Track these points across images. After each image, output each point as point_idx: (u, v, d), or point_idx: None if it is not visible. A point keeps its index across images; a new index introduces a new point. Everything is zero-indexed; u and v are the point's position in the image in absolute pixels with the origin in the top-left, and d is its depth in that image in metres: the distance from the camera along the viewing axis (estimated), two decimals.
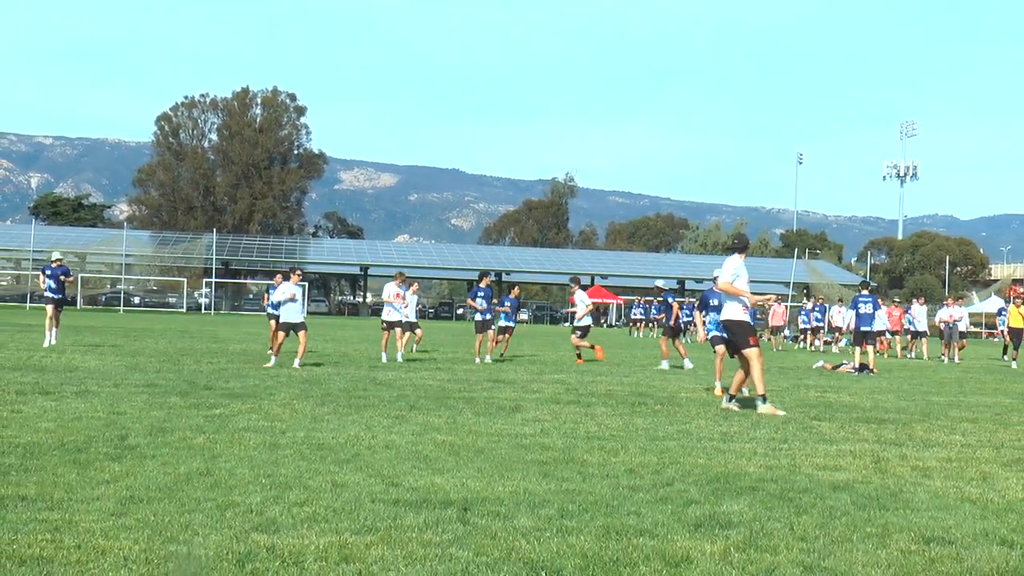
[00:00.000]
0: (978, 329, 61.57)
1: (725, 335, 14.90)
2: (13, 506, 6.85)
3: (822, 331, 44.25)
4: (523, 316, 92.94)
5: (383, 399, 14.35)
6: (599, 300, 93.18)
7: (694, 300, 15.17)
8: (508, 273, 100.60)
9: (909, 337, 39.84)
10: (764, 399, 14.21)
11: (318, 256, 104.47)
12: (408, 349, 27.78)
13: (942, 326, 36.48)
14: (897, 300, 40.33)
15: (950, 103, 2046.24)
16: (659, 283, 28.05)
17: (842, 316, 26.44)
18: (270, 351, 21.90)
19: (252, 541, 6.15)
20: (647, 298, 65.11)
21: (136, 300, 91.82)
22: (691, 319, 34.12)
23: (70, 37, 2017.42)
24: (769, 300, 14.87)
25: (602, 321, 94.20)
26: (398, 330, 24.17)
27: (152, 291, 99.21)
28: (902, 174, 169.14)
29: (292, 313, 20.92)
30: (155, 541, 6.10)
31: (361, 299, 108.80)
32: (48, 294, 25.56)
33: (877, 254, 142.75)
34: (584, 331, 25.86)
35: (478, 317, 25.20)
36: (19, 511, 6.71)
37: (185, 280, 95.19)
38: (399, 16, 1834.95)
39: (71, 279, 27.49)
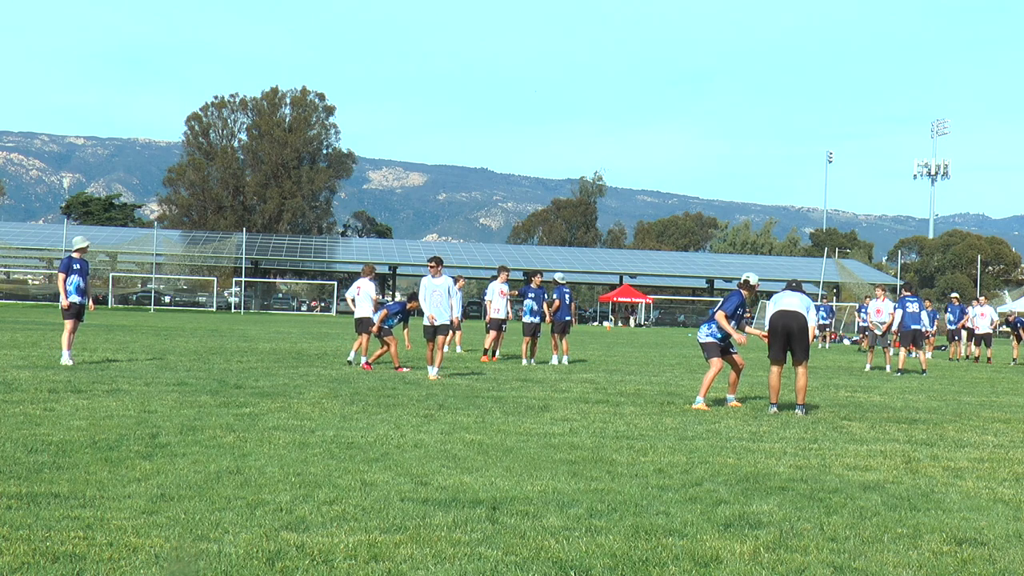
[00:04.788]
0: (1007, 329, 60.76)
1: (723, 343, 14.94)
2: (46, 503, 6.90)
3: (828, 329, 47.03)
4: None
5: (412, 398, 14.38)
6: (628, 299, 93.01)
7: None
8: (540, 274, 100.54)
9: (969, 340, 36.81)
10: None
11: (347, 255, 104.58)
12: (452, 348, 27.88)
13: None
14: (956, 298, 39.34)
15: (981, 102, 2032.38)
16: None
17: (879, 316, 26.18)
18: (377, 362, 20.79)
19: (282, 539, 6.18)
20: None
21: (167, 299, 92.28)
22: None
23: (101, 39, 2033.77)
24: (764, 337, 14.96)
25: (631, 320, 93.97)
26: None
27: (182, 290, 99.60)
28: (933, 173, 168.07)
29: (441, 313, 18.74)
30: (186, 539, 6.14)
31: (390, 298, 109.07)
32: (73, 298, 19.36)
33: (908, 253, 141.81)
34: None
35: (527, 319, 24.53)
36: (52, 508, 6.76)
37: (215, 279, 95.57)
38: (428, 16, 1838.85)
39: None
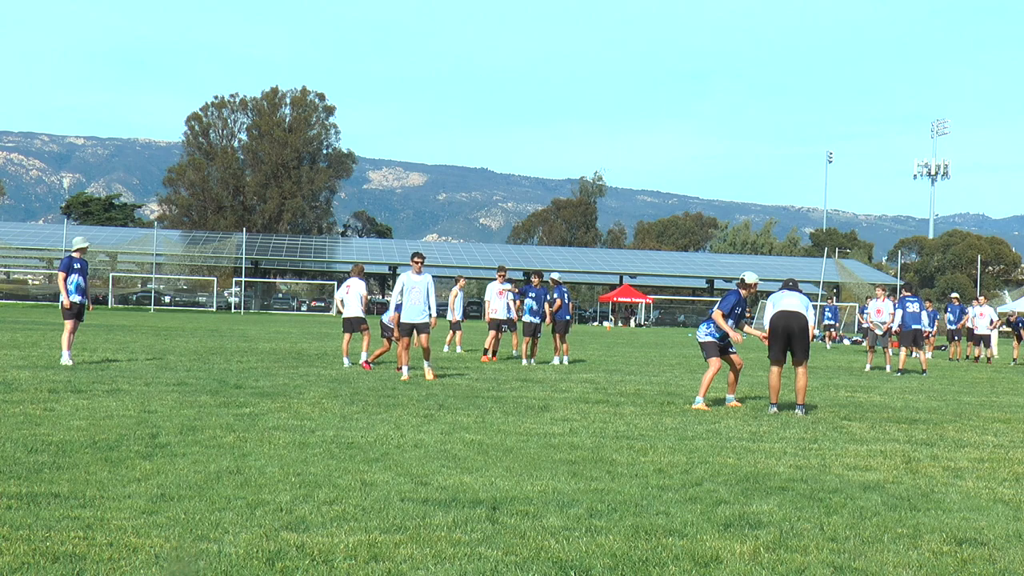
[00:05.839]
0: (1008, 329, 60.59)
1: (722, 343, 14.95)
2: (46, 503, 6.90)
3: (833, 330, 47.33)
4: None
5: (412, 398, 14.38)
6: (628, 299, 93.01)
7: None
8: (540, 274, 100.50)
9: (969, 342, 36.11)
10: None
11: (347, 256, 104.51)
12: (453, 348, 27.96)
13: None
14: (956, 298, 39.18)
15: (981, 102, 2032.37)
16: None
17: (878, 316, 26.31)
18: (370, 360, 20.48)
19: (282, 539, 6.18)
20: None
21: (167, 299, 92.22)
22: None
23: (101, 39, 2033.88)
24: (763, 338, 14.95)
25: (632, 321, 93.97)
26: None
27: (182, 290, 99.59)
28: (933, 173, 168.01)
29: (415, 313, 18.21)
30: (186, 539, 6.14)
31: (391, 298, 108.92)
32: (74, 297, 19.27)
33: (908, 253, 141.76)
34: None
35: (527, 319, 24.43)
36: (52, 508, 6.76)
37: (215, 279, 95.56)
38: (428, 16, 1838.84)
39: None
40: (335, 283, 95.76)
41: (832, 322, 46.89)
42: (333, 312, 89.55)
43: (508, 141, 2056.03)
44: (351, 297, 21.10)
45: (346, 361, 20.75)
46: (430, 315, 18.17)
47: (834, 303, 50.96)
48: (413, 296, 18.05)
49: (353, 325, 20.81)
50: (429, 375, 17.93)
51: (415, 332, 18.07)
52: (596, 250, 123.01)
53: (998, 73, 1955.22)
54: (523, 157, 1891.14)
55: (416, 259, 18.24)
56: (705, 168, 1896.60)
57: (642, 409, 14.04)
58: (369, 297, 21.53)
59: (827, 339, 47.41)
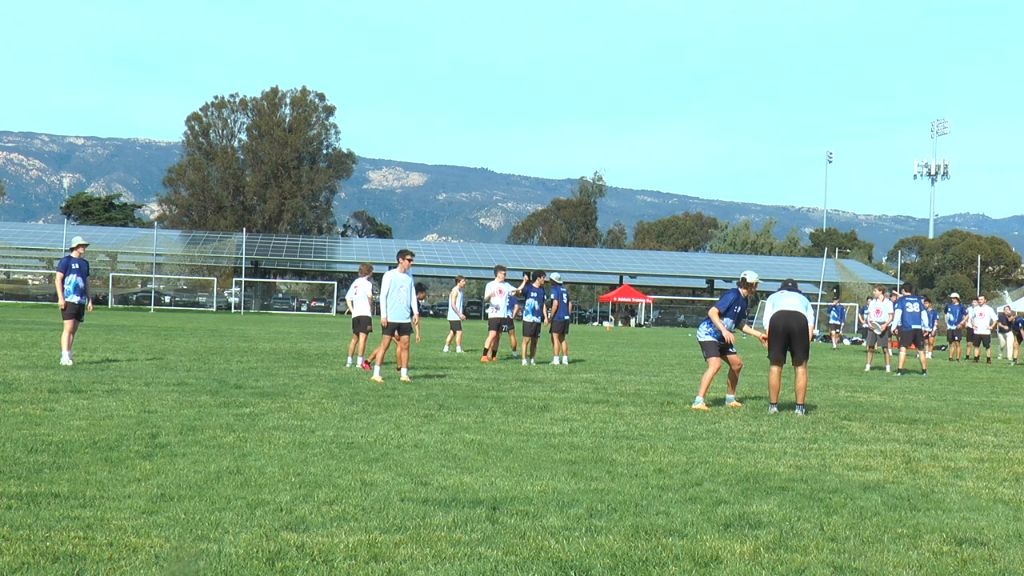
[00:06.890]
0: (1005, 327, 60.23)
1: (722, 342, 14.95)
2: (46, 503, 6.90)
3: (838, 331, 47.27)
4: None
5: (412, 398, 14.38)
6: (628, 299, 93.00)
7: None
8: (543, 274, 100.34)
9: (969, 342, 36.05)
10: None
11: (347, 255, 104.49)
12: (453, 348, 27.99)
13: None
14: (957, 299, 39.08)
15: (981, 101, 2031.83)
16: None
17: (878, 316, 26.38)
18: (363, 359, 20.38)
19: (282, 539, 6.18)
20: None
21: (167, 299, 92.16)
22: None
23: (101, 39, 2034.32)
24: (763, 339, 14.94)
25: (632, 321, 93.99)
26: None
27: (182, 290, 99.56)
28: (933, 173, 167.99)
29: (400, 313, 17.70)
30: (186, 539, 6.14)
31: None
32: (72, 298, 19.18)
33: (908, 253, 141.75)
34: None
35: (528, 318, 24.47)
36: (52, 508, 6.76)
37: (215, 279, 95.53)
38: (428, 16, 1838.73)
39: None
40: (335, 283, 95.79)
41: (838, 322, 46.90)
42: (334, 312, 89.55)
43: (508, 141, 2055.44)
44: (360, 297, 21.17)
45: (349, 360, 20.78)
46: (411, 315, 17.77)
47: (840, 304, 50.81)
48: (401, 295, 17.58)
49: (363, 325, 20.82)
50: (376, 376, 17.31)
51: (397, 332, 17.58)
52: (596, 250, 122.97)
53: (998, 73, 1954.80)
54: (523, 157, 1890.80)
55: (408, 256, 17.77)
56: (705, 168, 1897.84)
57: (642, 409, 14.04)
58: (374, 297, 21.47)
59: (827, 338, 47.44)
